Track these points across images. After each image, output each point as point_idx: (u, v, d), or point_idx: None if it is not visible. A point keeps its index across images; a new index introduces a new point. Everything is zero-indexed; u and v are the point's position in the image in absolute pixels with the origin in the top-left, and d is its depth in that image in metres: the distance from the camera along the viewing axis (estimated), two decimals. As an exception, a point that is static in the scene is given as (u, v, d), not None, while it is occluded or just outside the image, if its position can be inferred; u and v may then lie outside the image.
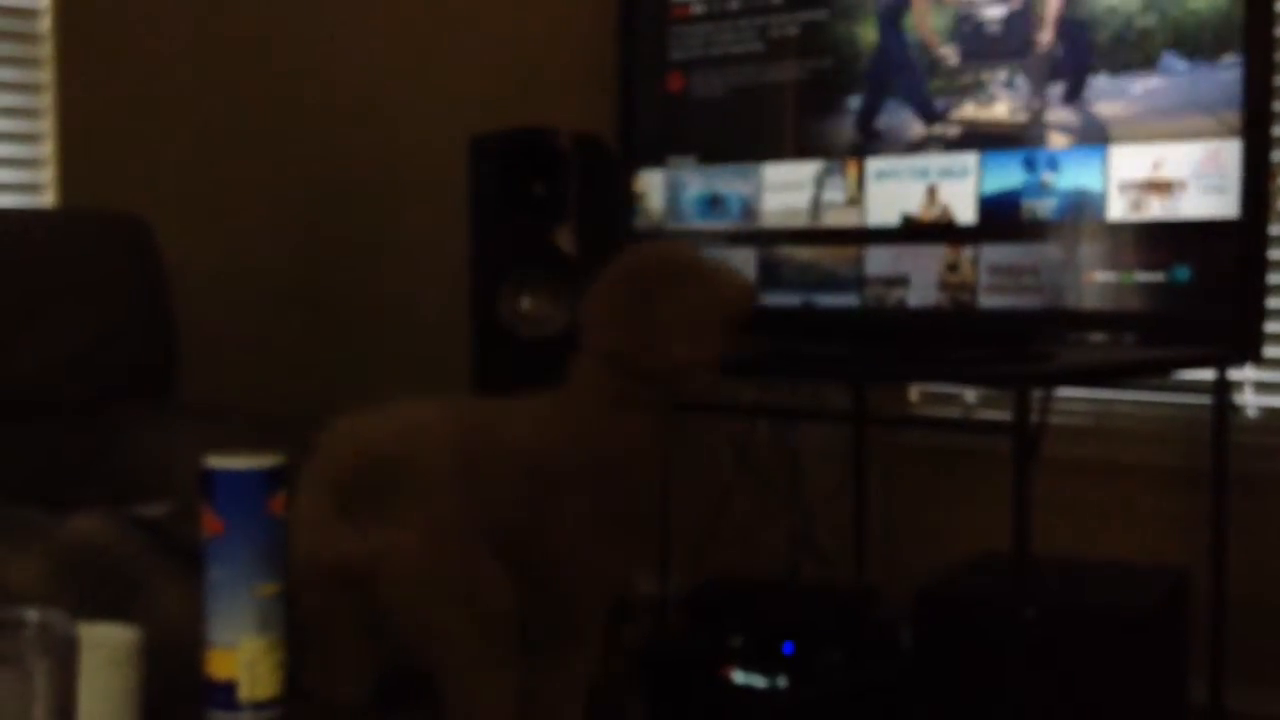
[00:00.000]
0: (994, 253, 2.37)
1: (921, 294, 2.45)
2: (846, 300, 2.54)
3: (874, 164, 2.51)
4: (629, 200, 2.86)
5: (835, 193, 2.57)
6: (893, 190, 2.49)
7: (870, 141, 2.53)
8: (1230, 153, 2.14)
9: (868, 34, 2.53)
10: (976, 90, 2.41)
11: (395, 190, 3.15)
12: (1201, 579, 2.41)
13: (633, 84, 2.89)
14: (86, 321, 2.45)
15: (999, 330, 2.38)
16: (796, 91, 2.64)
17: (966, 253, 2.40)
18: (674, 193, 2.78)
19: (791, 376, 2.91)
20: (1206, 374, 2.45)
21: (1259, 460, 2.53)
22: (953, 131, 2.43)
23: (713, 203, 2.73)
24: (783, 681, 2.46)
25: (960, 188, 2.41)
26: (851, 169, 2.54)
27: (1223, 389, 2.42)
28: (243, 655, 1.17)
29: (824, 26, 2.58)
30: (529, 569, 1.46)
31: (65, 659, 0.85)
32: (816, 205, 2.59)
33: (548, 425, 1.51)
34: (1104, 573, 2.42)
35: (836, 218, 2.56)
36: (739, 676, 2.48)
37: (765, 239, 2.65)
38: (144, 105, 2.84)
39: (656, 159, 2.83)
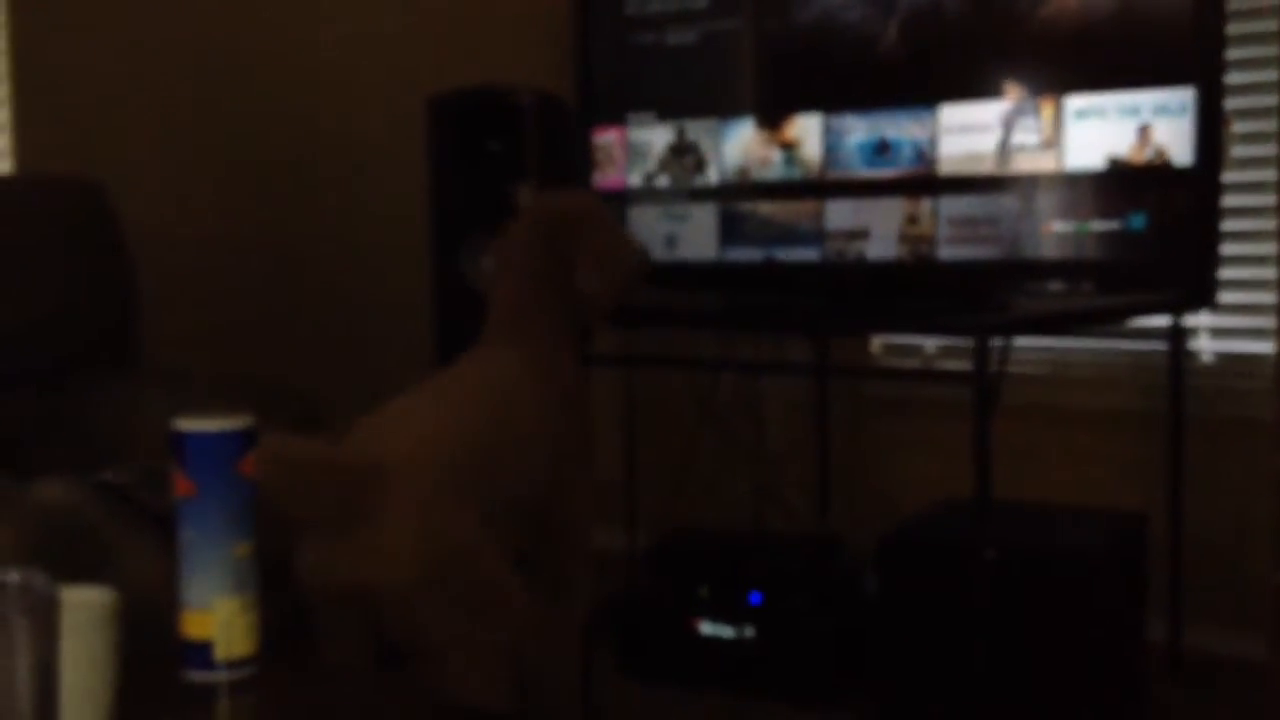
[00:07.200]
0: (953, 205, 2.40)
1: (882, 246, 2.47)
2: (808, 254, 2.56)
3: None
4: (589, 157, 2.86)
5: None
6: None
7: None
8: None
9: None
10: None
11: (355, 152, 3.13)
12: (1159, 522, 2.46)
13: (590, 40, 2.88)
14: (47, 288, 2.43)
15: (959, 282, 2.41)
16: (756, 45, 2.64)
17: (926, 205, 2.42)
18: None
19: (754, 329, 2.92)
20: (1162, 320, 2.49)
21: (1214, 405, 2.56)
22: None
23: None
24: (749, 631, 2.49)
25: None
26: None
27: (1178, 335, 2.45)
28: (218, 615, 1.18)
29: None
30: (538, 530, 1.49)
31: (46, 618, 0.86)
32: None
33: (525, 382, 1.52)
34: (1063, 517, 2.46)
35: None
36: (706, 627, 2.51)
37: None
38: (101, 71, 2.81)
39: (616, 116, 2.83)
